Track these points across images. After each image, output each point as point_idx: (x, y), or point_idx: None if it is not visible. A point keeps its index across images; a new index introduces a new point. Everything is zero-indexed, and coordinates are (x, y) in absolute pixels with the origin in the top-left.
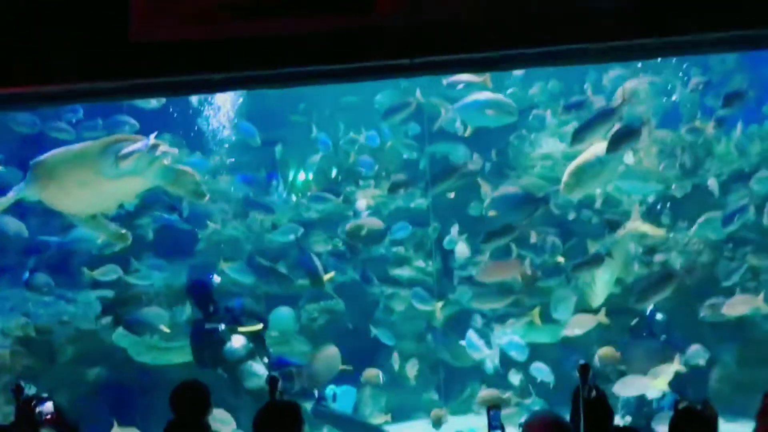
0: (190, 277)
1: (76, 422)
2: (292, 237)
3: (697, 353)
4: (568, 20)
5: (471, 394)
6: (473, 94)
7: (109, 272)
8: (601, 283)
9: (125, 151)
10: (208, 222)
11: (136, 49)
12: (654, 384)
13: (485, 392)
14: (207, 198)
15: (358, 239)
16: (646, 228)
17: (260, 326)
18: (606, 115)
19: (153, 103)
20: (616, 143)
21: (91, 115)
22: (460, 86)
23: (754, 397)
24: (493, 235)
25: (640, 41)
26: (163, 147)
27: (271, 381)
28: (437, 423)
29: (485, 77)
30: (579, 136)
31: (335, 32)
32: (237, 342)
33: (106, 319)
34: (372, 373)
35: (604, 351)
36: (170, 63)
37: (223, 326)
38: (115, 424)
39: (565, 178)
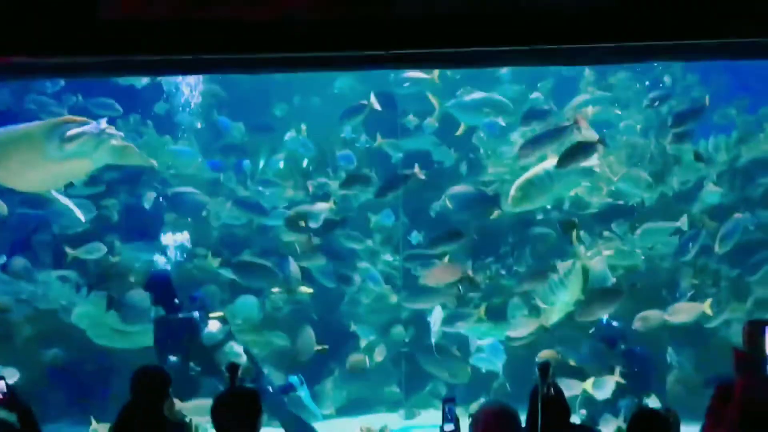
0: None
1: (27, 403)
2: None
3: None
4: (559, 19)
5: (432, 390)
6: (472, 94)
7: (93, 250)
8: (560, 303)
9: (70, 133)
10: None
11: (104, 26)
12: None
13: None
14: (154, 163)
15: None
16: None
17: (220, 314)
18: (556, 133)
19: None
20: (566, 159)
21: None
22: (406, 84)
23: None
24: (440, 240)
25: (621, 44)
26: (111, 130)
27: (231, 368)
28: None
29: (434, 74)
30: (525, 151)
31: (312, 20)
32: (213, 326)
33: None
34: (358, 358)
35: (546, 353)
36: (140, 42)
37: (196, 313)
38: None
39: (512, 191)
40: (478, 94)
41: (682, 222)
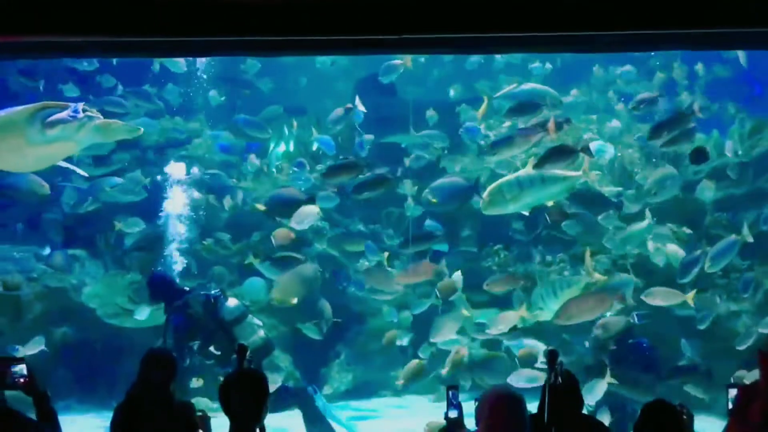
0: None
1: (44, 388)
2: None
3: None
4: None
5: (436, 375)
6: (518, 86)
7: (134, 224)
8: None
9: (52, 118)
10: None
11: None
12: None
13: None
14: (141, 131)
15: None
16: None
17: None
18: (527, 134)
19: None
20: (543, 162)
21: None
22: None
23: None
24: (416, 240)
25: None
26: (92, 113)
27: (240, 349)
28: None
29: (406, 59)
30: (496, 148)
31: (323, 3)
32: (231, 302)
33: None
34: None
35: (522, 352)
36: (143, 23)
37: (218, 291)
38: None
39: (484, 195)
40: (526, 86)
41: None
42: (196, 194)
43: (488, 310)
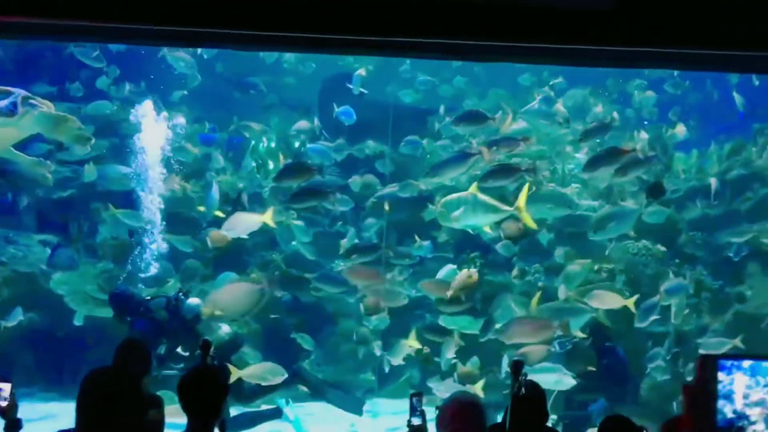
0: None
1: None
2: None
3: None
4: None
5: (407, 379)
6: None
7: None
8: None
9: None
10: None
11: None
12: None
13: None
14: (92, 142)
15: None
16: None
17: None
18: (462, 159)
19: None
20: (486, 179)
21: None
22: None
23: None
24: (355, 251)
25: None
26: (36, 101)
27: (204, 345)
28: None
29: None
30: (434, 171)
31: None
32: (193, 301)
33: None
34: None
35: (464, 369)
36: (138, 11)
37: (179, 292)
38: None
39: (438, 206)
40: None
41: None
42: (173, 185)
43: (462, 318)
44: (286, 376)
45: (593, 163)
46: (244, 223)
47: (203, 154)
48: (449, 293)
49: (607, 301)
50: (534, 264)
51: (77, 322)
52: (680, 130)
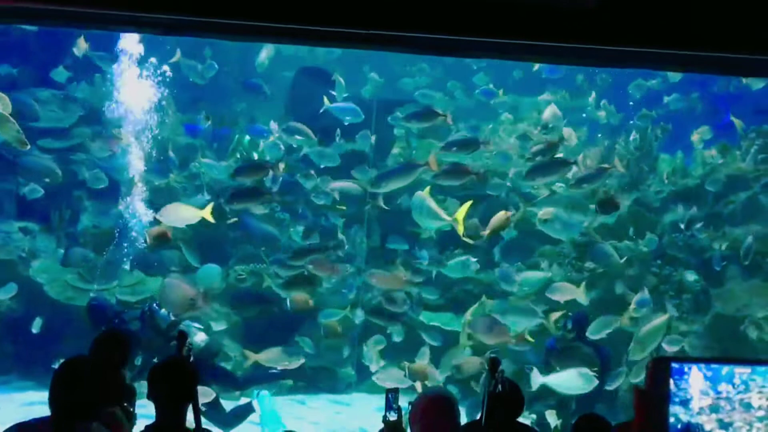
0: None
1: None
2: None
3: None
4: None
5: None
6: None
7: None
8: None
9: None
10: None
11: None
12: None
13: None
14: (27, 146)
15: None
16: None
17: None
18: (408, 169)
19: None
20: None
21: None
22: None
23: None
24: (301, 253)
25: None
26: None
27: (180, 336)
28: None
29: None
30: (379, 181)
31: None
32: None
33: None
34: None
35: (416, 366)
36: None
37: (153, 303)
38: None
39: None
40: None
41: None
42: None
43: (443, 314)
44: (303, 360)
45: (533, 172)
46: (180, 215)
47: (188, 144)
48: (486, 232)
49: (566, 293)
50: (516, 263)
51: (35, 329)
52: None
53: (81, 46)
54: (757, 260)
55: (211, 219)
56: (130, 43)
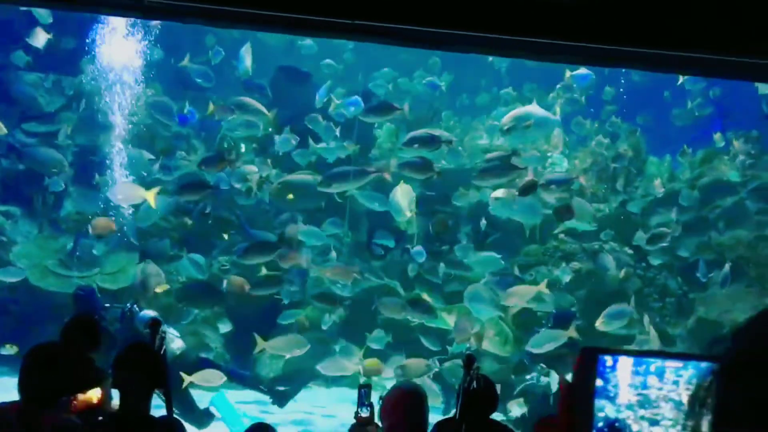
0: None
1: None
2: None
3: None
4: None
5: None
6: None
7: None
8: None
9: None
10: None
11: None
12: None
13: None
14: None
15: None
16: None
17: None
18: (361, 174)
19: None
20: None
21: None
22: None
23: None
24: (251, 251)
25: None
26: None
27: (152, 323)
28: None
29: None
30: (327, 181)
31: None
32: (147, 312)
33: None
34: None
35: (369, 362)
36: None
37: (132, 303)
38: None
39: None
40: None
41: None
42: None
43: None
44: (309, 346)
45: (483, 173)
46: (127, 193)
47: (175, 133)
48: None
49: (522, 295)
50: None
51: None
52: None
53: (40, 36)
54: (741, 266)
55: (152, 202)
56: (116, 28)
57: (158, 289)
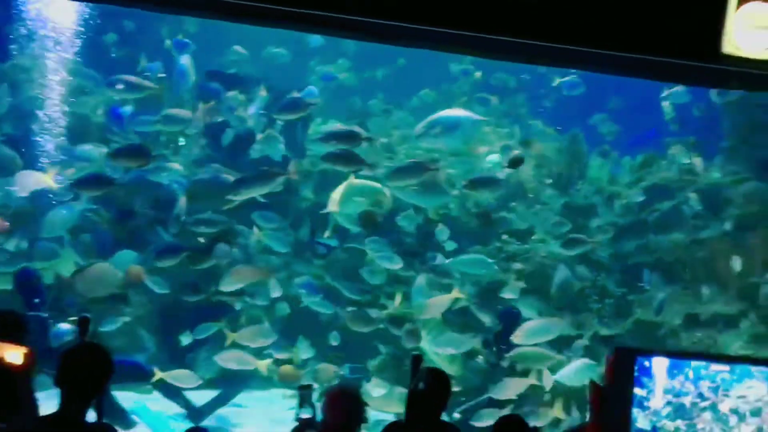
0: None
1: None
2: None
3: None
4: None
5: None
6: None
7: None
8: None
9: None
10: None
11: None
12: None
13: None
14: None
15: None
16: None
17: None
18: (265, 178)
19: None
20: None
21: None
22: None
23: None
24: (165, 253)
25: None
26: None
27: (81, 321)
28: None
29: None
30: (236, 187)
31: None
32: (65, 326)
33: None
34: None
35: (285, 368)
36: None
37: (46, 314)
38: None
39: None
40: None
41: None
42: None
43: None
44: (276, 338)
45: (396, 173)
46: (29, 180)
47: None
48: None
49: (437, 307)
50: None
51: None
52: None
53: None
54: (677, 268)
55: (53, 185)
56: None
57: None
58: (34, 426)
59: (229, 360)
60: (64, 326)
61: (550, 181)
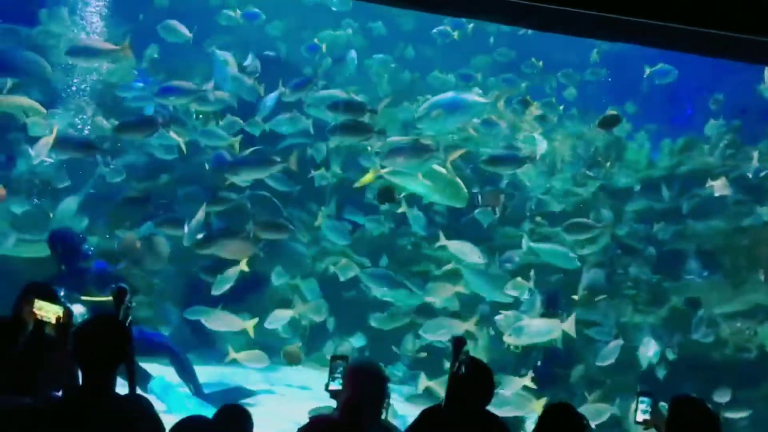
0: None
1: None
2: None
3: None
4: None
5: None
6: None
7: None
8: None
9: None
10: None
11: None
12: None
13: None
14: None
15: None
16: None
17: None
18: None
19: None
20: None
21: None
22: None
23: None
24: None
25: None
26: None
27: (118, 293)
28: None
29: None
30: (232, 168)
31: None
32: (77, 309)
33: None
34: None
35: (290, 348)
36: None
37: (62, 292)
38: None
39: None
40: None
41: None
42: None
43: (399, 291)
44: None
45: (392, 153)
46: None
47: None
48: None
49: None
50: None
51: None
52: None
53: None
54: (717, 257)
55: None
56: None
57: None
58: (58, 402)
59: (216, 322)
60: (77, 309)
61: (586, 163)
